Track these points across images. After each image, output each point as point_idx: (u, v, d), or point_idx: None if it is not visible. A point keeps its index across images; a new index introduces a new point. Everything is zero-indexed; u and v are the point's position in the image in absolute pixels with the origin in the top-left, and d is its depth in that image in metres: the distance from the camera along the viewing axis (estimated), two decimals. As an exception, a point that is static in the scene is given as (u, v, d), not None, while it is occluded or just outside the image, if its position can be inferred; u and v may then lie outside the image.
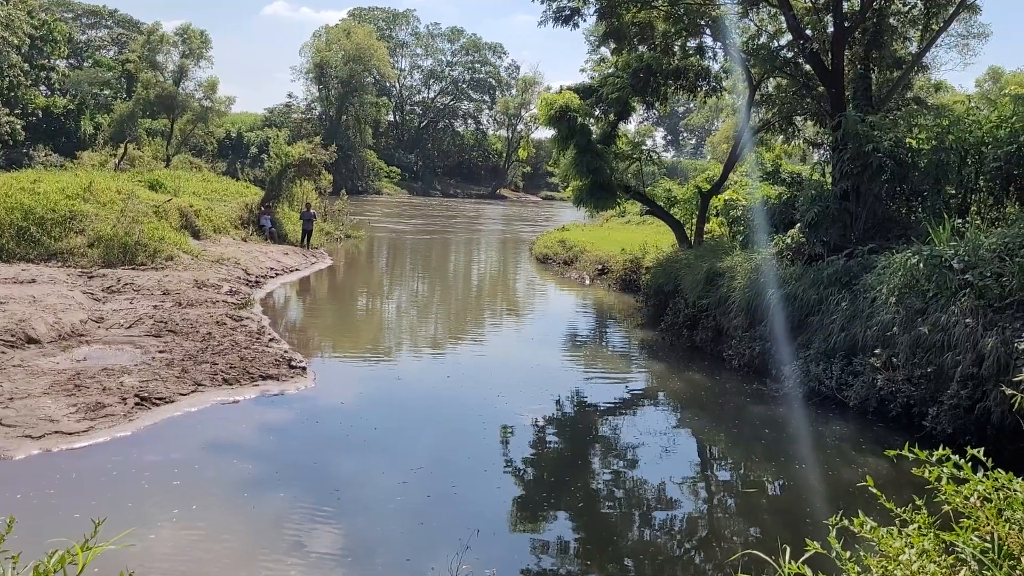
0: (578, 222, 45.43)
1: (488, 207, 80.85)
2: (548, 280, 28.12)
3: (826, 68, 16.35)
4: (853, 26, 16.27)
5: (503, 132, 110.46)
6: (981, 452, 3.30)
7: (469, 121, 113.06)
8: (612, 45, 20.31)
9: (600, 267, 26.98)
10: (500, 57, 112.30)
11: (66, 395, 10.22)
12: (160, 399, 10.54)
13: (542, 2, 18.77)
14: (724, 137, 63.08)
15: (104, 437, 9.30)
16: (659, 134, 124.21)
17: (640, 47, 20.37)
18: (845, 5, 17.25)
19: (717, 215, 25.34)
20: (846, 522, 3.06)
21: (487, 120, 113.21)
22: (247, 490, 8.40)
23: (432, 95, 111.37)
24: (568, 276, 27.85)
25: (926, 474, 3.14)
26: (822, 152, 37.83)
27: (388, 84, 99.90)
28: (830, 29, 16.69)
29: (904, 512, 3.10)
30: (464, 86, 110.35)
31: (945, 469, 3.08)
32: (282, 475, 8.90)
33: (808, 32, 17.06)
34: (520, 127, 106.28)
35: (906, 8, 17.73)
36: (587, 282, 26.44)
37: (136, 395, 10.44)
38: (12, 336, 12.33)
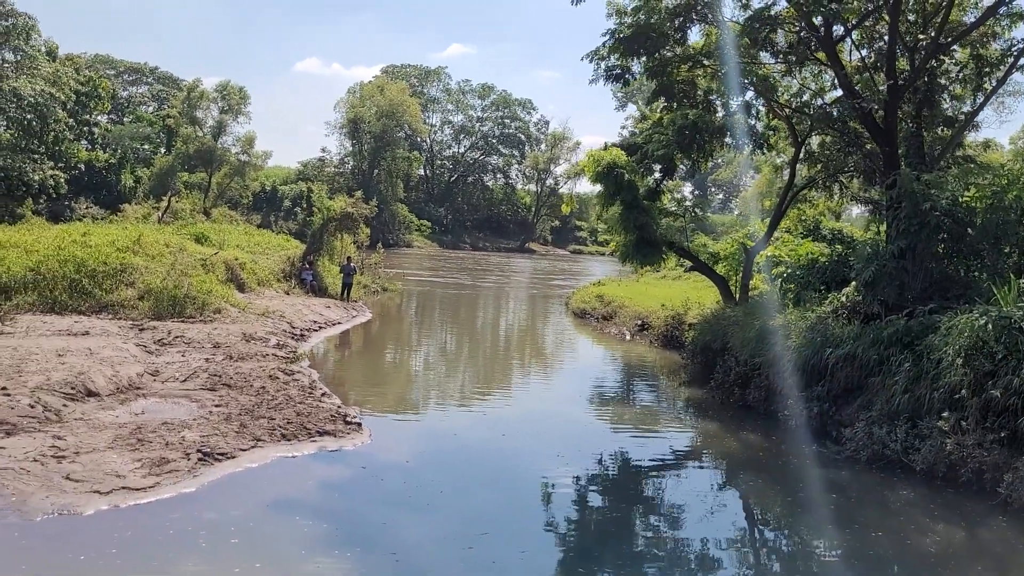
0: (611, 276, 45.43)
1: (518, 261, 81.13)
2: (587, 335, 27.96)
3: (878, 126, 16.33)
4: (906, 85, 16.28)
5: (532, 186, 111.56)
6: None
7: (498, 175, 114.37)
8: (662, 102, 20.48)
9: (640, 323, 26.80)
10: (529, 113, 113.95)
11: (130, 450, 10.20)
12: (222, 455, 10.49)
13: (591, 61, 19.04)
14: (757, 193, 63.00)
15: (170, 493, 9.25)
16: (687, 188, 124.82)
17: (684, 103, 20.49)
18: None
19: (759, 271, 25.19)
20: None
21: (516, 174, 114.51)
22: (312, 550, 8.29)
23: (462, 150, 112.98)
24: (607, 331, 27.68)
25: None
26: (861, 210, 37.64)
27: (419, 139, 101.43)
28: (880, 87, 16.70)
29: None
30: (494, 141, 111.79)
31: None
32: (345, 535, 8.78)
33: (858, 90, 17.10)
34: (549, 181, 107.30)
35: (958, 67, 17.78)
36: (627, 338, 26.26)
37: (198, 450, 10.40)
38: (72, 389, 12.39)
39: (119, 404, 12.44)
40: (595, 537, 9.51)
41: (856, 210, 40.79)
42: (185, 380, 14.12)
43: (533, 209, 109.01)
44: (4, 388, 11.88)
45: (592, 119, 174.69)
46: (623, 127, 77.22)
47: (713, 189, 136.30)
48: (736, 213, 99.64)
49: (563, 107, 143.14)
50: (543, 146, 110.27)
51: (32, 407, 11.32)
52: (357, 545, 8.55)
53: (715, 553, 9.22)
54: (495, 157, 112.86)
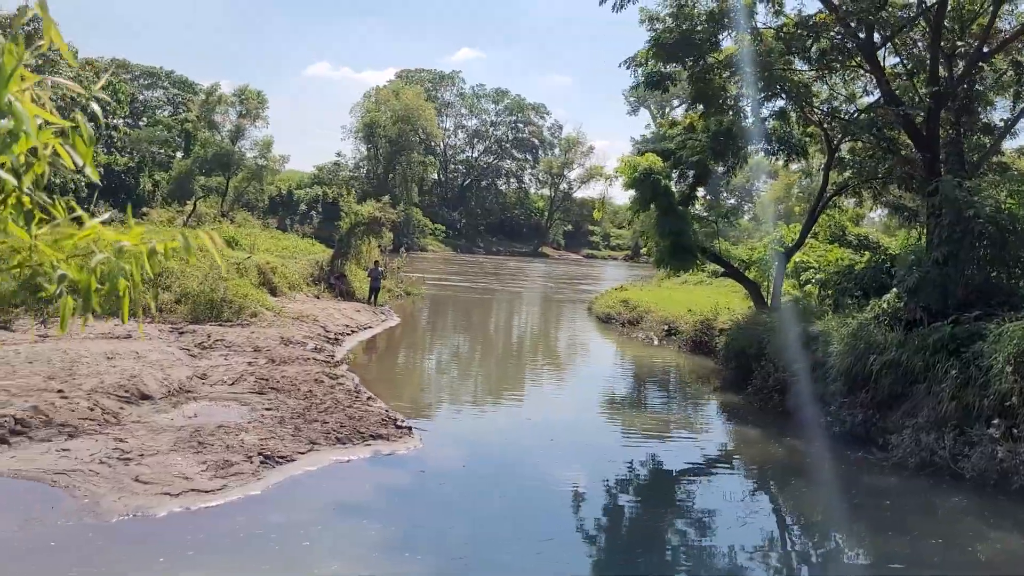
0: (629, 280, 45.52)
1: (533, 265, 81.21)
2: (614, 340, 28.00)
3: (920, 133, 16.37)
4: (949, 92, 16.31)
5: (545, 191, 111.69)
6: None
7: (512, 179, 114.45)
8: (700, 108, 20.55)
9: (667, 328, 26.82)
10: (543, 117, 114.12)
11: (193, 452, 10.31)
12: (282, 458, 10.59)
13: (627, 68, 19.17)
14: (774, 197, 62.98)
15: (238, 495, 9.34)
16: (699, 193, 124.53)
17: (721, 110, 20.56)
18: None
19: (788, 277, 25.21)
20: None
21: (529, 178, 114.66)
22: (383, 552, 8.39)
23: (476, 154, 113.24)
24: (634, 337, 27.72)
25: None
26: (875, 213, 37.44)
27: (433, 143, 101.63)
28: (921, 93, 16.75)
29: None
30: (507, 145, 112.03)
31: None
32: (412, 538, 8.84)
33: (899, 97, 17.15)
34: (563, 186, 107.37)
35: (997, 74, 17.82)
36: (655, 343, 26.28)
37: (259, 453, 10.50)
38: (127, 392, 12.53)
39: (172, 407, 12.56)
40: (664, 544, 9.55)
41: (871, 214, 40.60)
42: (233, 384, 14.25)
43: (546, 213, 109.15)
44: (61, 391, 12.04)
45: (601, 122, 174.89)
46: (650, 130, 77.09)
47: (725, 194, 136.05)
48: (748, 218, 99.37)
49: (573, 111, 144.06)
50: (557, 150, 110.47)
51: (91, 409, 11.46)
52: (426, 548, 8.62)
53: (786, 562, 9.27)
54: (508, 161, 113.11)
